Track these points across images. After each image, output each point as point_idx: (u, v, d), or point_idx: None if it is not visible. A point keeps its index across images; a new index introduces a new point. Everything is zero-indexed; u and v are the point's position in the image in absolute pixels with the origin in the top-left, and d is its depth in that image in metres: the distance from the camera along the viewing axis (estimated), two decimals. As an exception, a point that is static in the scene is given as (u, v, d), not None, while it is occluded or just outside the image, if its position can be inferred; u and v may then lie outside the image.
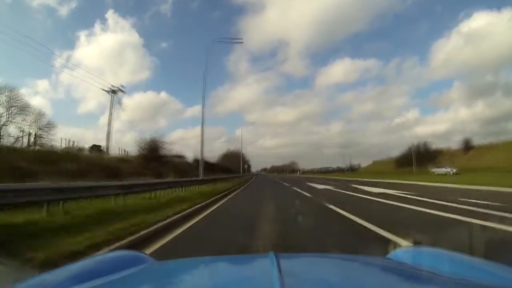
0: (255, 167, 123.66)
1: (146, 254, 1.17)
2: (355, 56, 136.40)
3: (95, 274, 0.81)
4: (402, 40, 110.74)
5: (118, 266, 0.90)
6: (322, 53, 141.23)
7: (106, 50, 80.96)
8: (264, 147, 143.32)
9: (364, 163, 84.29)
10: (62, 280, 0.80)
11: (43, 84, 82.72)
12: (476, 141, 48.33)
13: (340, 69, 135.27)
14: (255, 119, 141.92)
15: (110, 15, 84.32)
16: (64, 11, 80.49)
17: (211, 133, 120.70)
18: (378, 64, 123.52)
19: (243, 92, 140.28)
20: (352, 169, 77.52)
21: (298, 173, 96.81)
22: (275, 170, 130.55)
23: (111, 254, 1.18)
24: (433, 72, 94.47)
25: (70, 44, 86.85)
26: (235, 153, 61.22)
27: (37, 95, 66.11)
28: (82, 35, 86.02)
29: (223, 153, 66.95)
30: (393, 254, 1.08)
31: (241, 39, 28.11)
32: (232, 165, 54.47)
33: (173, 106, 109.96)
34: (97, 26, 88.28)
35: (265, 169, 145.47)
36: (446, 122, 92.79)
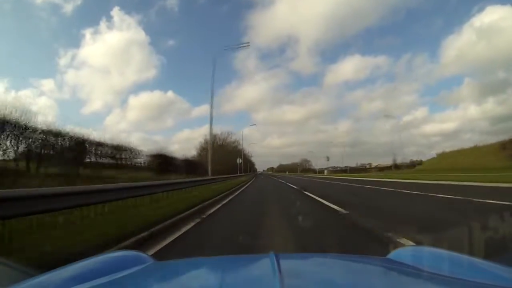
0: (261, 166, 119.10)
1: (146, 254, 1.18)
2: (365, 53, 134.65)
3: (95, 274, 0.81)
4: (413, 36, 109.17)
5: (118, 266, 0.90)
6: (332, 50, 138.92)
7: (112, 49, 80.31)
8: (270, 146, 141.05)
9: (375, 161, 74.71)
10: (62, 280, 0.81)
11: (48, 84, 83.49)
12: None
13: (350, 66, 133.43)
14: (263, 116, 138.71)
15: (116, 12, 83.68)
16: (69, 8, 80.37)
17: (215, 132, 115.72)
18: (388, 61, 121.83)
19: (250, 90, 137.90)
20: (400, 166, 56.72)
21: (325, 172, 72.84)
22: (284, 169, 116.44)
23: (111, 254, 1.19)
24: (444, 69, 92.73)
25: (75, 42, 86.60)
26: (228, 143, 45.84)
27: (42, 95, 66.95)
28: (88, 33, 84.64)
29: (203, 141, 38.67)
30: (393, 254, 1.07)
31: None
32: (217, 162, 30.08)
33: (180, 106, 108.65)
34: (103, 24, 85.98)
35: (271, 169, 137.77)
36: (455, 120, 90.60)
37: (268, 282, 0.63)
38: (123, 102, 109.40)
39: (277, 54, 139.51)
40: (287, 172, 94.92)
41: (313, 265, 0.97)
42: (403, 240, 3.39)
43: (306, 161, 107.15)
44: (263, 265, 0.82)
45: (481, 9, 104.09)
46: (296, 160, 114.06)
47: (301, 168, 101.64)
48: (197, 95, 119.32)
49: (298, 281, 0.69)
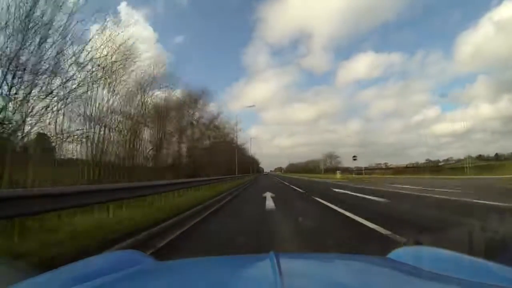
0: (268, 166, 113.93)
1: (146, 254, 1.18)
2: (379, 50, 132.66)
3: (95, 274, 0.81)
4: (428, 32, 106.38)
5: (118, 266, 0.90)
6: (346, 46, 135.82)
7: (119, 46, 79.04)
8: (279, 146, 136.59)
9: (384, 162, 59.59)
10: (62, 280, 0.82)
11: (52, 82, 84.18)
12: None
13: (363, 64, 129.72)
14: (271, 115, 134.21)
15: (123, 7, 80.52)
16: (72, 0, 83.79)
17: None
18: (401, 58, 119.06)
19: (259, 89, 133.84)
20: None
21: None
22: (297, 169, 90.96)
23: (111, 254, 1.20)
24: (457, 66, 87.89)
25: (80, 38, 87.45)
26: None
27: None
28: (93, 29, 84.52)
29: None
30: (393, 254, 1.07)
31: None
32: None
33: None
34: (109, 20, 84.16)
35: (280, 169, 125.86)
36: (466, 120, 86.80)
37: (268, 282, 0.63)
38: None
39: (289, 50, 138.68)
40: (340, 174, 39.74)
41: (313, 265, 0.97)
42: None
43: (332, 157, 72.04)
44: (263, 265, 0.82)
45: (498, 3, 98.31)
46: (315, 156, 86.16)
47: (327, 168, 69.86)
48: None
49: (298, 281, 0.69)
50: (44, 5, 8.44)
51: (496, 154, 47.13)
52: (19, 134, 7.88)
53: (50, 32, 8.60)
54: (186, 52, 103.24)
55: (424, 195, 8.86)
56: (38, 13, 8.39)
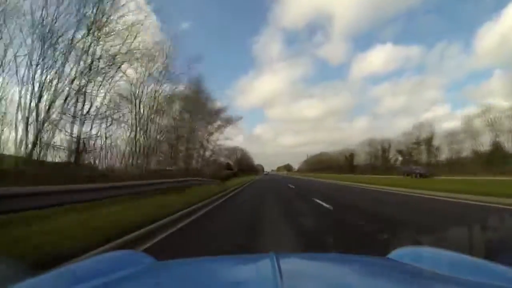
0: (270, 166, 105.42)
1: (146, 254, 1.17)
2: (398, 41, 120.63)
3: (95, 274, 0.81)
4: (453, 24, 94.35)
5: (118, 266, 0.90)
6: (366, 34, 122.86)
7: (120, 35, 72.97)
8: (282, 145, 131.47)
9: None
10: (61, 280, 0.82)
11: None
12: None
13: (380, 57, 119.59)
14: (277, 112, 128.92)
15: None
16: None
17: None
18: (420, 51, 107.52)
19: (269, 82, 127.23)
20: None
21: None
22: (317, 164, 63.39)
23: (111, 254, 1.19)
24: (478, 59, 77.18)
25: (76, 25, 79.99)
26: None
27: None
28: (90, 14, 75.81)
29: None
30: (393, 254, 1.07)
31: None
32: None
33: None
34: (109, 5, 76.65)
35: (286, 168, 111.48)
36: (477, 118, 76.13)
37: (268, 283, 0.63)
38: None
39: (305, 37, 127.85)
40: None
41: (313, 265, 0.97)
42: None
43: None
44: (263, 265, 0.81)
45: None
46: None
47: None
48: (211, 88, 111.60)
49: (299, 281, 0.69)
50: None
51: None
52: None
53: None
54: (193, 42, 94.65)
55: None
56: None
